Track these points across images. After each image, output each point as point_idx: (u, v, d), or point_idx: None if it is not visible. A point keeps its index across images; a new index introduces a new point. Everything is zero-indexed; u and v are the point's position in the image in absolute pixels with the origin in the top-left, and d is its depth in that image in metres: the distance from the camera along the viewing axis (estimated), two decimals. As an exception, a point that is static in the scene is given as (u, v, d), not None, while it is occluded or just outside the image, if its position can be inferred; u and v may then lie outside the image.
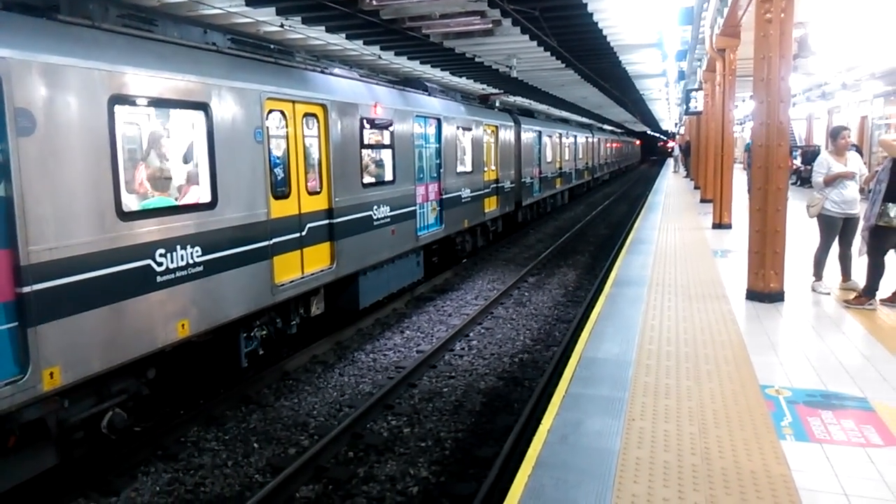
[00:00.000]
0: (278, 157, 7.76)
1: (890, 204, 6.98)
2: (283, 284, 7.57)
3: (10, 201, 4.53)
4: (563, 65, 16.13)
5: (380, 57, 13.68)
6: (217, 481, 5.82)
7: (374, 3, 9.59)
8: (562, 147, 27.05)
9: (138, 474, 5.91)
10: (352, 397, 7.63)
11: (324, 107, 8.46)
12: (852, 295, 7.59)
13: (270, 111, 7.47)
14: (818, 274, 8.15)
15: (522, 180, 19.93)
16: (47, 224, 4.78)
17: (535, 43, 12.87)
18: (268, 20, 10.37)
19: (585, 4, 10.37)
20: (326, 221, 8.60)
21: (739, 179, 16.14)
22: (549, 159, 24.14)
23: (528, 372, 8.43)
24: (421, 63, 15.51)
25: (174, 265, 5.94)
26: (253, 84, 7.14)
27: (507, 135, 18.14)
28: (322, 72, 9.10)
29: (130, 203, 5.73)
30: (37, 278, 4.68)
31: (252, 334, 7.49)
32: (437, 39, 12.42)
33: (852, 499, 3.56)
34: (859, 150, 18.30)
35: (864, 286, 7.40)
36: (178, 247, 5.99)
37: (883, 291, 7.39)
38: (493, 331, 10.22)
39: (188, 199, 6.42)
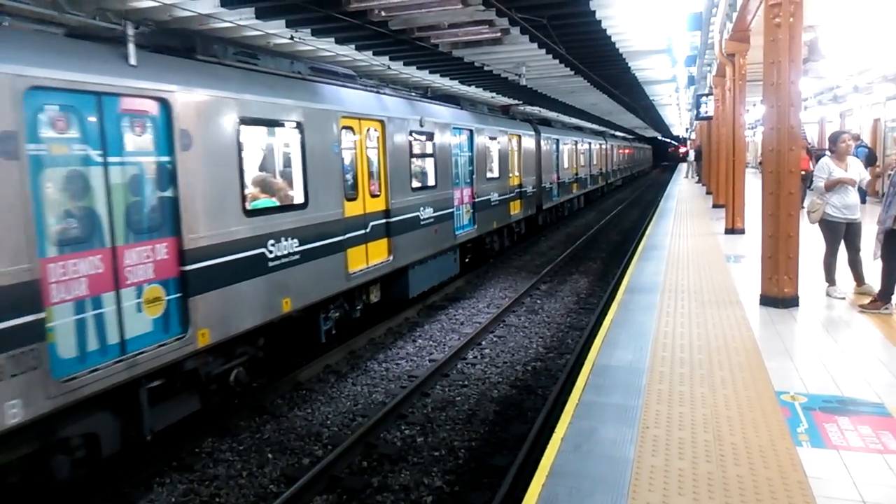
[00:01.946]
0: (348, 166, 9.09)
1: (905, 207, 6.92)
2: (354, 273, 8.96)
3: (176, 200, 5.93)
4: (572, 72, 16.11)
5: (389, 67, 13.74)
6: (232, 492, 5.84)
7: (383, 14, 9.64)
8: (577, 154, 27.92)
9: (154, 485, 5.95)
10: (365, 407, 7.64)
11: (382, 122, 9.94)
12: (867, 299, 7.51)
13: (343, 127, 8.85)
14: (830, 279, 8.09)
15: (542, 185, 20.94)
16: (199, 218, 6.15)
17: (543, 51, 12.87)
18: (277, 33, 10.45)
19: (594, 12, 10.37)
20: (384, 220, 10.01)
21: (754, 185, 16.04)
22: (566, 166, 25.18)
23: (541, 380, 8.40)
24: (430, 73, 15.55)
25: (280, 253, 7.34)
26: (332, 105, 8.60)
27: (529, 143, 19.42)
28: (378, 92, 10.62)
29: (250, 203, 7.07)
30: (193, 260, 6.06)
31: (328, 315, 8.78)
32: (446, 49, 12.45)
33: (870, 506, 3.52)
34: (873, 153, 18.20)
35: (880, 290, 7.33)
36: (283, 239, 7.39)
37: (899, 295, 7.32)
38: (505, 339, 10.20)
39: (289, 200, 7.78)
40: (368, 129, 9.62)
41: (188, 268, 6.00)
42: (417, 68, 14.74)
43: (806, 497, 3.61)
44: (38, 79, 4.79)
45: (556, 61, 14.32)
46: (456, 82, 17.70)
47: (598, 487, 3.79)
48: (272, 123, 7.54)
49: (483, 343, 9.99)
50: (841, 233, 7.89)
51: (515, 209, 17.71)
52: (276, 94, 7.49)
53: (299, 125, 7.82)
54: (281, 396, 7.90)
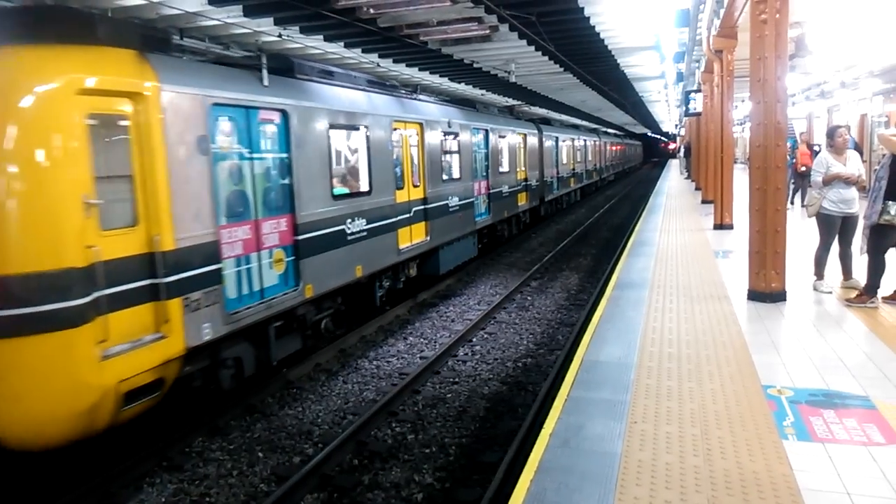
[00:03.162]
0: (396, 160, 10.95)
1: (890, 202, 6.97)
2: (402, 249, 10.86)
3: (291, 187, 7.82)
4: (562, 69, 16.12)
5: (378, 64, 13.71)
6: (222, 491, 5.83)
7: (372, 11, 9.60)
8: (574, 150, 29.56)
9: (143, 485, 5.94)
10: (356, 405, 7.65)
11: (421, 124, 11.92)
12: (854, 293, 7.59)
13: (394, 129, 10.69)
14: (819, 273, 8.14)
15: (544, 179, 22.81)
16: (304, 200, 7.99)
17: (532, 48, 12.87)
18: (266, 30, 10.41)
19: (582, 8, 10.38)
20: (423, 206, 11.87)
21: (742, 181, 16.13)
22: (564, 161, 26.95)
23: (531, 376, 8.43)
24: (420, 70, 15.52)
25: (355, 230, 9.23)
26: (387, 112, 10.52)
27: (533, 141, 21.31)
28: (416, 99, 12.62)
29: (335, 190, 8.87)
30: (302, 231, 7.93)
31: (381, 284, 10.62)
32: (435, 46, 12.43)
33: (855, 497, 3.56)
34: (860, 149, 18.32)
35: (866, 284, 7.40)
36: (356, 218, 9.29)
37: (884, 289, 7.39)
38: (496, 335, 10.22)
39: (359, 188, 9.65)
40: (411, 130, 11.56)
41: (299, 237, 7.86)
42: (407, 66, 14.71)
43: (791, 489, 3.64)
44: (216, 98, 6.61)
45: (546, 58, 14.33)
46: (446, 80, 17.68)
47: (585, 482, 3.81)
48: (349, 127, 9.43)
49: (474, 340, 10.00)
50: (836, 227, 7.91)
51: (522, 200, 19.50)
52: (352, 104, 9.46)
53: (366, 128, 9.74)
54: (271, 395, 7.88)
